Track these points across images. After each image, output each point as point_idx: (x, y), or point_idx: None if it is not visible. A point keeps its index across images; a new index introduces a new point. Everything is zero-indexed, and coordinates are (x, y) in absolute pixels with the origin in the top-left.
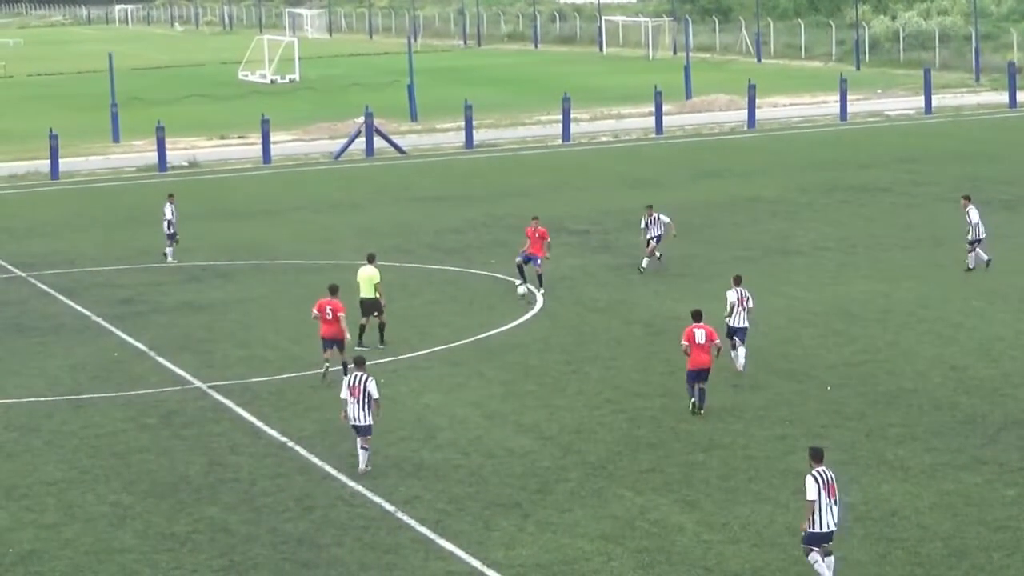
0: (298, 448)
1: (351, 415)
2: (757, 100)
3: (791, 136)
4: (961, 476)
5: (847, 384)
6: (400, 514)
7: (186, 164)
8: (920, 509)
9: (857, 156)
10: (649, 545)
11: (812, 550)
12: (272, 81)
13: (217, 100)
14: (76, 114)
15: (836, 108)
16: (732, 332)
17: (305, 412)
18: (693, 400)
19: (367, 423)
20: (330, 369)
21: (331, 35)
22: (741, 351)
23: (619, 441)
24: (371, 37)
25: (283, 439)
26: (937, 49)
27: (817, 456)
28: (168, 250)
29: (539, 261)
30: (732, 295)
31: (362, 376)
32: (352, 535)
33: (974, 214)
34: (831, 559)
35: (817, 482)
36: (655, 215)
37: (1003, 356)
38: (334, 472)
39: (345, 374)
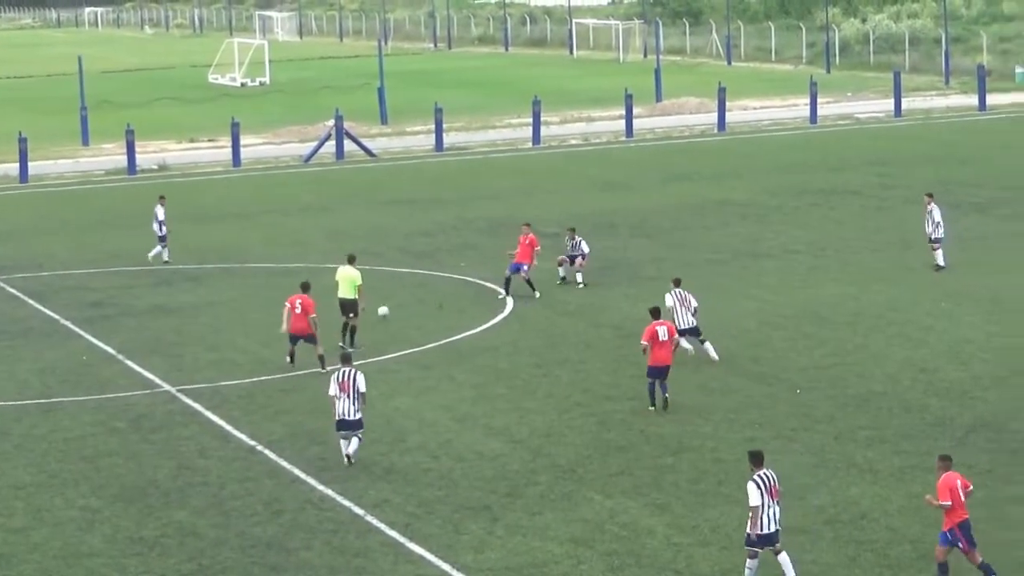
0: (267, 452)
1: (340, 410)
2: (727, 103)
3: (761, 139)
4: (930, 479)
5: (817, 387)
6: (369, 518)
7: (156, 167)
8: (889, 511)
9: (827, 159)
10: (619, 548)
11: (754, 554)
12: (242, 84)
13: (187, 103)
14: (45, 117)
15: (806, 111)
16: (681, 332)
17: (274, 416)
18: (652, 404)
19: (357, 418)
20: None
21: (301, 38)
22: (707, 345)
23: (589, 444)
24: (341, 40)
25: (252, 443)
26: (907, 52)
27: (757, 460)
28: (155, 252)
29: (525, 268)
30: (670, 298)
31: (351, 371)
32: (321, 539)
33: (937, 213)
34: (784, 555)
35: (759, 487)
36: (577, 239)
37: (973, 359)
38: (303, 476)
39: (322, 368)
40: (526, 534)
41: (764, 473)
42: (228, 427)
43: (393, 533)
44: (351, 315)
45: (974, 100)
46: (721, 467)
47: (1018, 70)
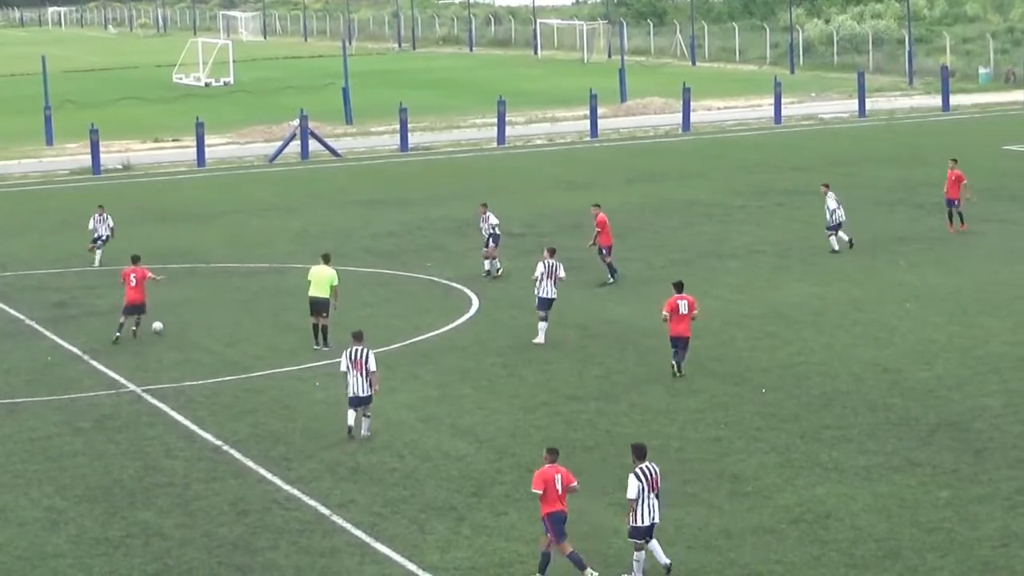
0: (233, 452)
1: (352, 387)
2: (692, 103)
3: (725, 139)
4: (895, 478)
5: (782, 386)
6: (335, 517)
7: (120, 167)
8: (854, 511)
9: (791, 159)
10: (585, 548)
11: (639, 547)
12: (206, 84)
13: (151, 103)
14: (8, 117)
15: (770, 111)
16: (543, 302)
17: (239, 415)
18: (674, 370)
19: (367, 394)
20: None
21: (265, 38)
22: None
23: (554, 444)
24: (306, 40)
25: (217, 443)
26: (871, 52)
27: (639, 453)
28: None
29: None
30: (540, 267)
31: (363, 350)
32: (287, 539)
33: (831, 201)
34: (654, 542)
35: (640, 480)
36: (487, 214)
37: (937, 358)
38: (269, 476)
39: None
40: (492, 534)
41: (646, 466)
42: (193, 427)
43: (359, 533)
44: (323, 315)
45: (937, 101)
46: (686, 467)
47: (982, 71)
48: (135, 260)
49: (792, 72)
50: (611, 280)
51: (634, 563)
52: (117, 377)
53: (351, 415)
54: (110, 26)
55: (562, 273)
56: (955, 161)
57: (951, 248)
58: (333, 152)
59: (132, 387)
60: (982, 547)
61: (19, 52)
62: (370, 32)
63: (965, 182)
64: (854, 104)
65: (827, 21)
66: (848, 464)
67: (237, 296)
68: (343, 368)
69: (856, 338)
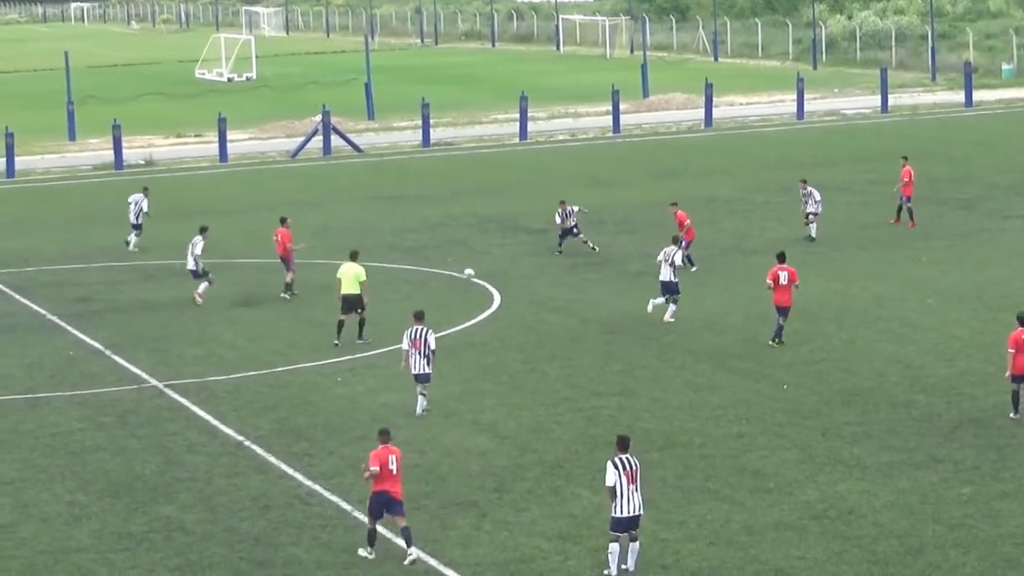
0: (254, 447)
1: (412, 365)
2: (714, 99)
3: (748, 135)
4: (917, 474)
5: (803, 383)
6: (357, 513)
7: (142, 162)
8: (876, 507)
9: (814, 155)
10: (606, 544)
11: (615, 538)
12: (229, 79)
13: (174, 98)
14: (32, 112)
15: (793, 107)
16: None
17: (261, 411)
18: (773, 340)
19: (427, 372)
20: None
21: (288, 33)
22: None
23: (576, 440)
24: (328, 35)
25: (239, 438)
26: (893, 48)
27: (622, 444)
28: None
29: (685, 243)
30: (661, 254)
31: (423, 329)
32: (309, 534)
33: (817, 193)
34: (636, 544)
35: (617, 468)
36: (570, 208)
37: (959, 355)
38: (290, 471)
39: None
40: (513, 530)
41: (625, 457)
42: (215, 422)
43: (381, 528)
44: (358, 310)
45: (960, 97)
46: (708, 463)
47: (1005, 67)
48: (283, 221)
49: (815, 68)
50: (693, 268)
51: (608, 555)
52: (139, 372)
53: (420, 395)
54: (133, 22)
55: (678, 260)
56: (906, 159)
57: (973, 244)
58: (355, 148)
59: (154, 382)
60: (1005, 544)
61: (42, 48)
62: (392, 28)
63: (910, 179)
64: (877, 100)
65: (850, 17)
66: (870, 460)
67: (258, 291)
68: (404, 347)
69: (878, 334)
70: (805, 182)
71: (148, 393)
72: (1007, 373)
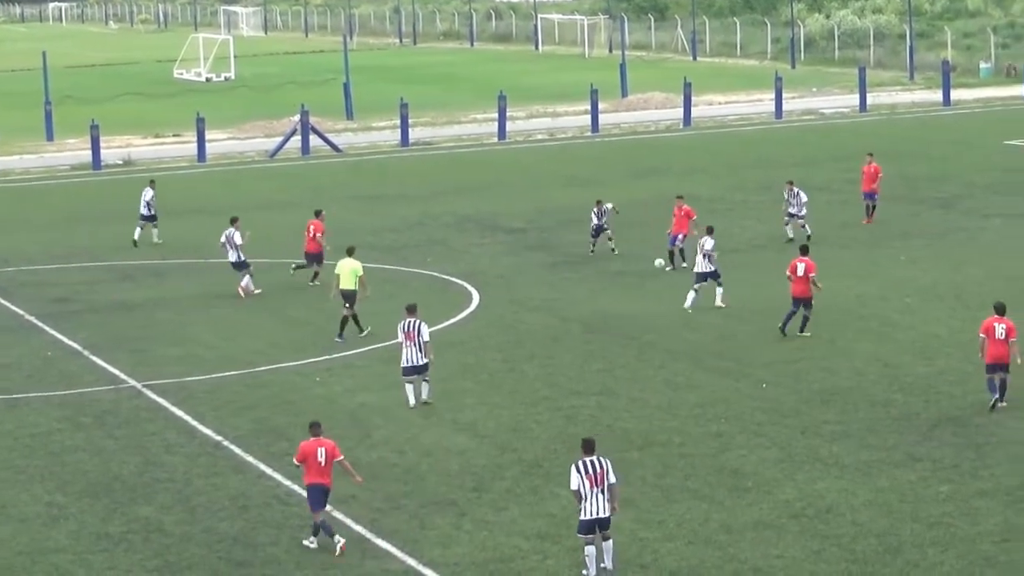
0: (233, 447)
1: (406, 356)
2: (693, 98)
3: (727, 134)
4: (896, 473)
5: (783, 381)
6: (336, 513)
7: (120, 163)
8: (855, 506)
9: (792, 154)
10: (582, 546)
11: (588, 541)
12: (207, 79)
13: (152, 98)
14: (9, 112)
15: (771, 106)
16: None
17: (240, 411)
18: (783, 328)
19: (424, 362)
20: None
21: (266, 33)
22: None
23: (555, 439)
24: (307, 35)
25: (218, 438)
26: (872, 47)
27: (587, 447)
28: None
29: (680, 238)
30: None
31: (416, 322)
32: (288, 534)
33: (804, 195)
34: (610, 543)
35: (579, 472)
36: (604, 207)
37: (938, 354)
38: (269, 471)
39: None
40: (492, 529)
41: (590, 460)
42: (194, 422)
43: (360, 528)
44: (348, 304)
45: (938, 96)
46: (687, 462)
47: (983, 66)
48: (317, 214)
49: (793, 67)
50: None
51: (585, 558)
52: (117, 372)
53: (409, 388)
54: (111, 22)
55: (708, 246)
56: (871, 156)
57: (951, 243)
58: (334, 147)
59: (132, 382)
60: (983, 542)
61: (20, 48)
62: (371, 27)
63: (881, 176)
64: (855, 99)
65: (828, 16)
66: (849, 459)
67: (237, 291)
68: (400, 339)
69: (857, 333)
70: (792, 184)
71: (126, 393)
72: (980, 355)
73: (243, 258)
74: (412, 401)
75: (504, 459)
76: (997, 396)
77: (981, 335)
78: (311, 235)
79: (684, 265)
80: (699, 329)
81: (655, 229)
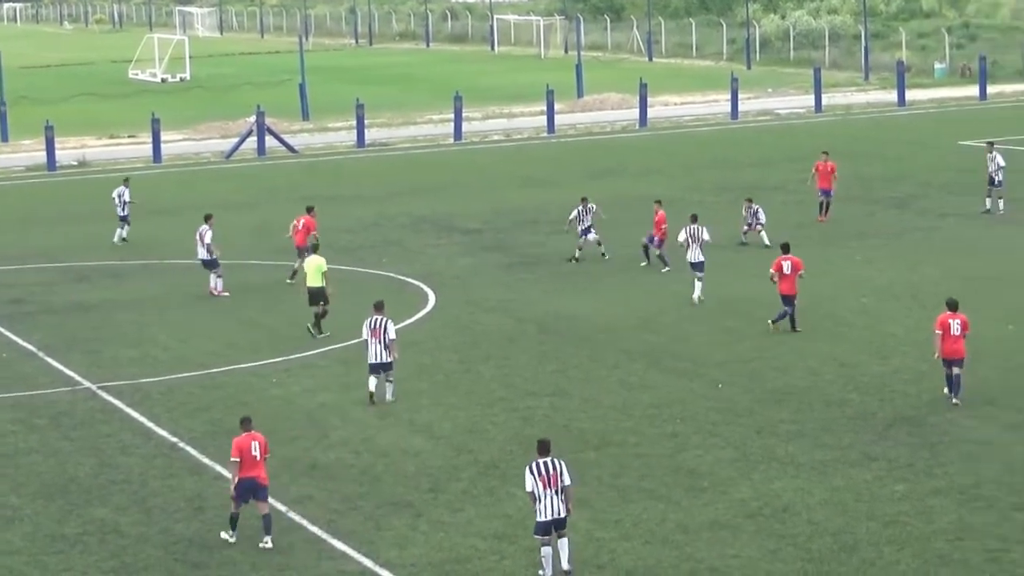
0: (189, 448)
1: (372, 353)
2: (648, 99)
3: (682, 135)
4: (851, 472)
5: (738, 381)
6: (292, 514)
7: (75, 164)
8: (810, 505)
9: (748, 155)
10: (538, 547)
11: (544, 542)
12: (163, 80)
13: (107, 99)
14: None
15: (727, 107)
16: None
17: (195, 412)
18: (775, 322)
19: (388, 360)
20: None
21: (222, 34)
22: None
23: (511, 440)
24: (262, 36)
25: (173, 439)
26: (827, 48)
27: (542, 448)
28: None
29: (657, 239)
30: (683, 233)
31: (382, 319)
32: (244, 535)
33: (763, 215)
34: (565, 541)
35: (533, 473)
36: (590, 206)
37: (893, 353)
38: (225, 472)
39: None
40: (448, 530)
41: (544, 461)
42: (149, 424)
43: (315, 529)
44: (320, 303)
45: (893, 96)
46: (643, 462)
47: (937, 66)
48: (310, 210)
49: (748, 68)
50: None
51: (541, 559)
52: (72, 374)
53: (372, 381)
54: (66, 22)
55: (706, 236)
56: (826, 154)
57: (907, 243)
58: (290, 148)
59: (88, 384)
60: (938, 540)
61: None
62: (327, 28)
63: (835, 174)
64: (810, 99)
65: (783, 17)
66: (804, 459)
67: (194, 292)
68: (364, 336)
69: (812, 333)
70: (751, 200)
71: (82, 395)
72: (935, 355)
73: (213, 257)
74: (372, 388)
75: (460, 460)
76: (951, 394)
77: (937, 331)
78: (302, 231)
79: (643, 264)
80: (654, 329)
81: (612, 230)
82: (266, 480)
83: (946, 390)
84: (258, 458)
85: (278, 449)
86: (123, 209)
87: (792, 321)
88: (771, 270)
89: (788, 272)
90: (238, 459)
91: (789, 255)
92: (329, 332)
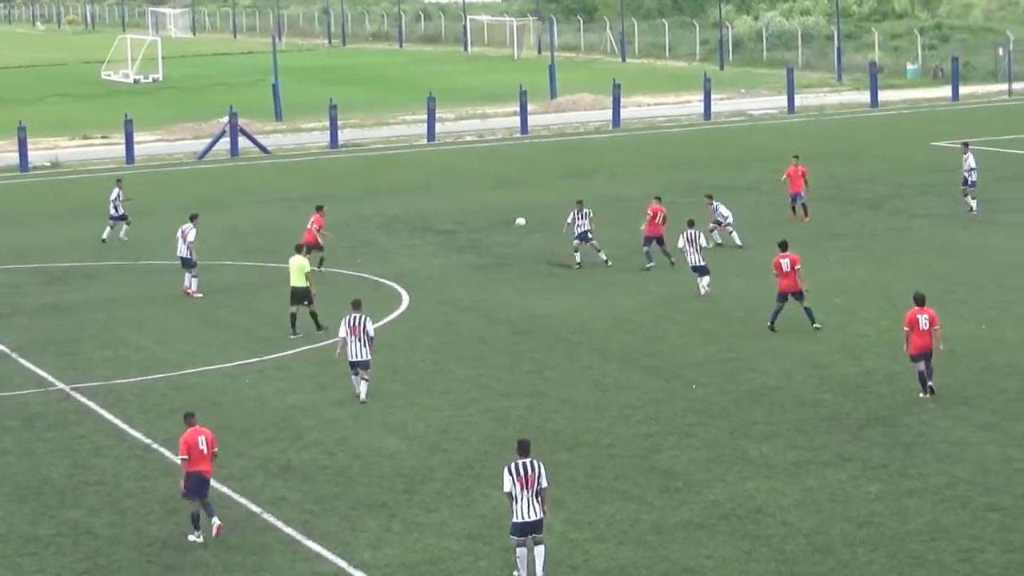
0: (163, 450)
1: (351, 351)
2: (622, 99)
3: (655, 136)
4: (825, 473)
5: (712, 382)
6: (266, 515)
7: (48, 164)
8: (784, 506)
9: (721, 155)
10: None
11: (520, 543)
12: (135, 81)
13: (80, 100)
14: None
15: (700, 107)
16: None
17: (169, 413)
18: (771, 324)
19: (366, 358)
20: None
21: (195, 34)
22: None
23: (485, 440)
24: (235, 36)
25: (147, 441)
26: (800, 49)
27: (522, 449)
28: (123, 231)
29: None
30: (681, 239)
31: (360, 317)
32: (218, 537)
33: (724, 209)
34: (542, 548)
35: (511, 474)
36: (585, 210)
37: (866, 353)
38: None
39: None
40: (423, 531)
41: (523, 462)
42: (123, 425)
43: (290, 530)
44: (305, 302)
45: (866, 97)
46: (617, 462)
47: (910, 67)
48: (319, 209)
49: (722, 68)
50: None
51: (516, 560)
52: (46, 375)
53: (354, 379)
54: (38, 23)
55: (703, 241)
56: (797, 158)
57: (880, 243)
58: (263, 149)
59: (61, 385)
60: (912, 541)
61: None
62: (300, 28)
63: (806, 177)
64: (783, 100)
65: (756, 17)
66: (778, 459)
67: (167, 293)
68: (342, 334)
69: (786, 333)
70: (711, 198)
71: (55, 396)
72: (904, 348)
73: (191, 256)
74: (357, 392)
75: (434, 461)
76: (924, 391)
77: (906, 328)
78: (311, 227)
79: (652, 264)
80: (629, 330)
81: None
82: (210, 475)
83: (921, 395)
84: (205, 452)
85: (252, 450)
86: (117, 209)
87: (809, 315)
88: (773, 269)
89: (788, 269)
90: (187, 456)
91: (787, 252)
92: (302, 334)
